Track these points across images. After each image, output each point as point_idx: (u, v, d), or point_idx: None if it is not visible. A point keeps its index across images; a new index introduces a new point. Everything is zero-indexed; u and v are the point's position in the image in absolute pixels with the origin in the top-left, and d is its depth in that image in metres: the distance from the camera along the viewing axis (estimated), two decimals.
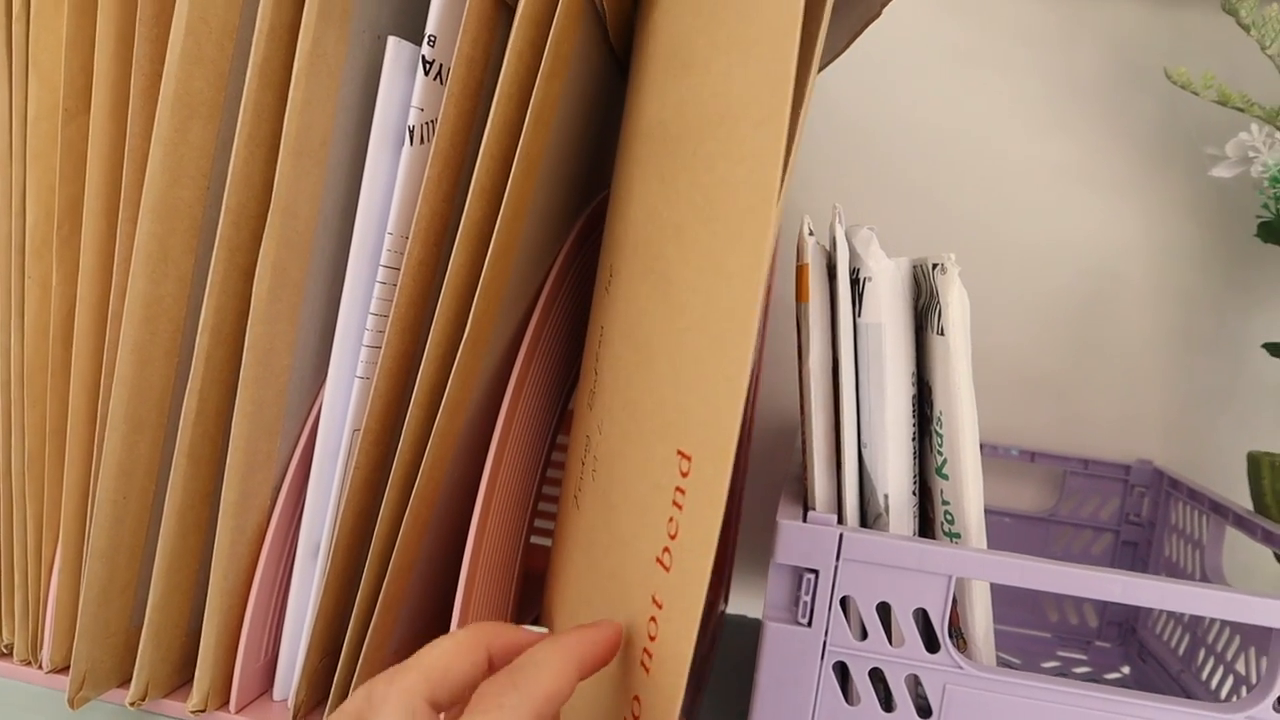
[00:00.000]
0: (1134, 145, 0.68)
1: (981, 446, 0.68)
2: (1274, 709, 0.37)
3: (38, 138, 0.47)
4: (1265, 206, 0.56)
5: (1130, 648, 0.67)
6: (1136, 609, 0.67)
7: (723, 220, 0.31)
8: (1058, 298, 0.70)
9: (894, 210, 0.71)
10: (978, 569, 0.37)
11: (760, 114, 0.29)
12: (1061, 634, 0.68)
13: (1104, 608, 0.68)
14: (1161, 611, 0.63)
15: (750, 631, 0.68)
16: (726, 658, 0.63)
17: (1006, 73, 0.69)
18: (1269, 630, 0.37)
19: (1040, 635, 0.68)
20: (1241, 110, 0.56)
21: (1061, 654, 0.67)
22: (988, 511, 0.69)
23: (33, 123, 0.47)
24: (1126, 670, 0.65)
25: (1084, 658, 0.67)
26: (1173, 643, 0.61)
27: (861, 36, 0.60)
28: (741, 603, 0.76)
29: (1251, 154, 0.55)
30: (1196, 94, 0.56)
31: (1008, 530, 0.69)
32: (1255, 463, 0.56)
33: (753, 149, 0.29)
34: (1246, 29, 0.54)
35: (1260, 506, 0.55)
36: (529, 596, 0.64)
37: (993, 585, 0.66)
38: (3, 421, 0.49)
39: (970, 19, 0.69)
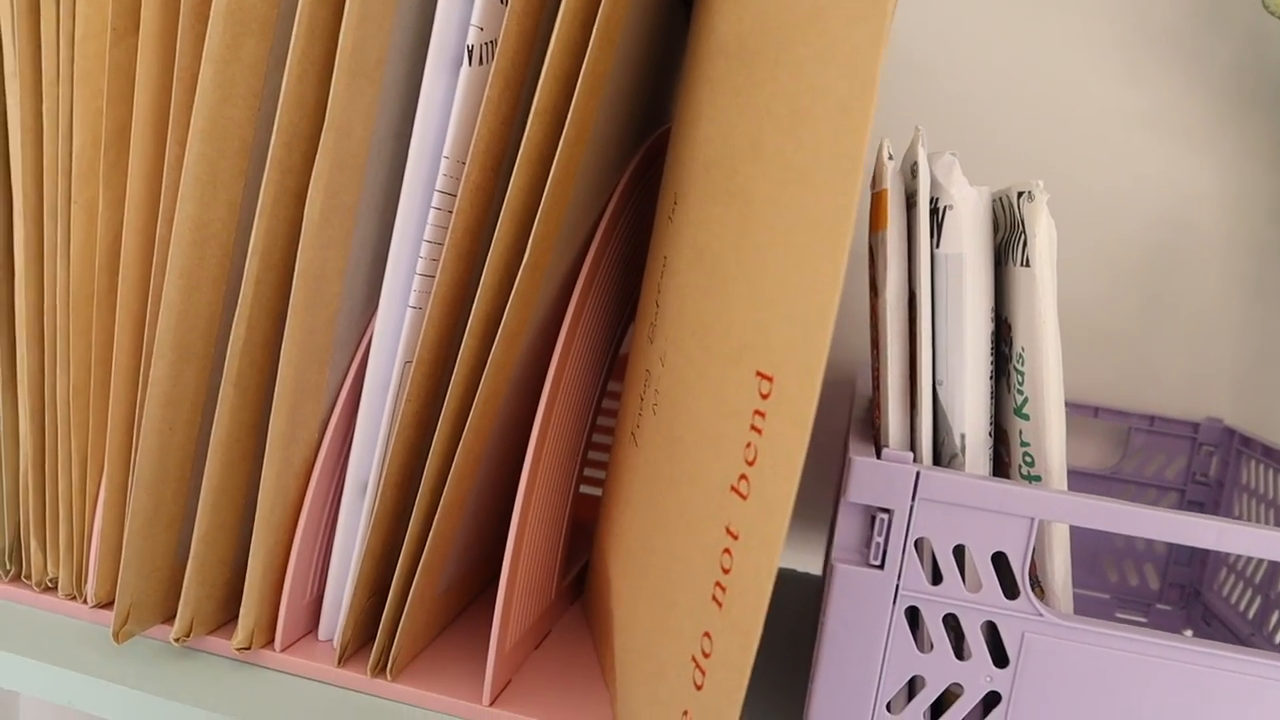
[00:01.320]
0: (1209, 90, 0.65)
1: None
2: None
3: (85, 59, 0.45)
4: None
5: (1194, 611, 0.64)
6: (1201, 570, 0.64)
7: (810, 127, 0.29)
8: (1125, 248, 0.68)
9: (958, 150, 0.69)
10: (1064, 511, 0.36)
11: (857, 8, 0.27)
12: (1121, 595, 0.66)
13: (1166, 569, 0.66)
14: (1229, 573, 0.61)
15: (794, 584, 0.67)
16: (770, 612, 0.62)
17: (1078, 14, 0.66)
18: None
19: (1099, 596, 0.66)
20: None
21: (1121, 616, 0.65)
22: None
23: (80, 43, 0.45)
24: (1189, 634, 0.63)
25: (1144, 620, 0.65)
26: (1241, 605, 0.59)
27: None
28: (784, 555, 0.75)
29: None
30: None
31: (1070, 486, 0.67)
32: None
33: (848, 46, 0.27)
34: None
35: None
36: (576, 546, 0.63)
37: None
38: (48, 352, 0.48)
39: None
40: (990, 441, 0.41)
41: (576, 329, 0.46)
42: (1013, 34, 0.67)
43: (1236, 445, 0.63)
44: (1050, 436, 0.38)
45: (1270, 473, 0.58)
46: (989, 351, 0.40)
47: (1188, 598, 0.65)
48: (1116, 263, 0.68)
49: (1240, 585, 0.60)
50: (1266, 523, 0.57)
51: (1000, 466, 0.42)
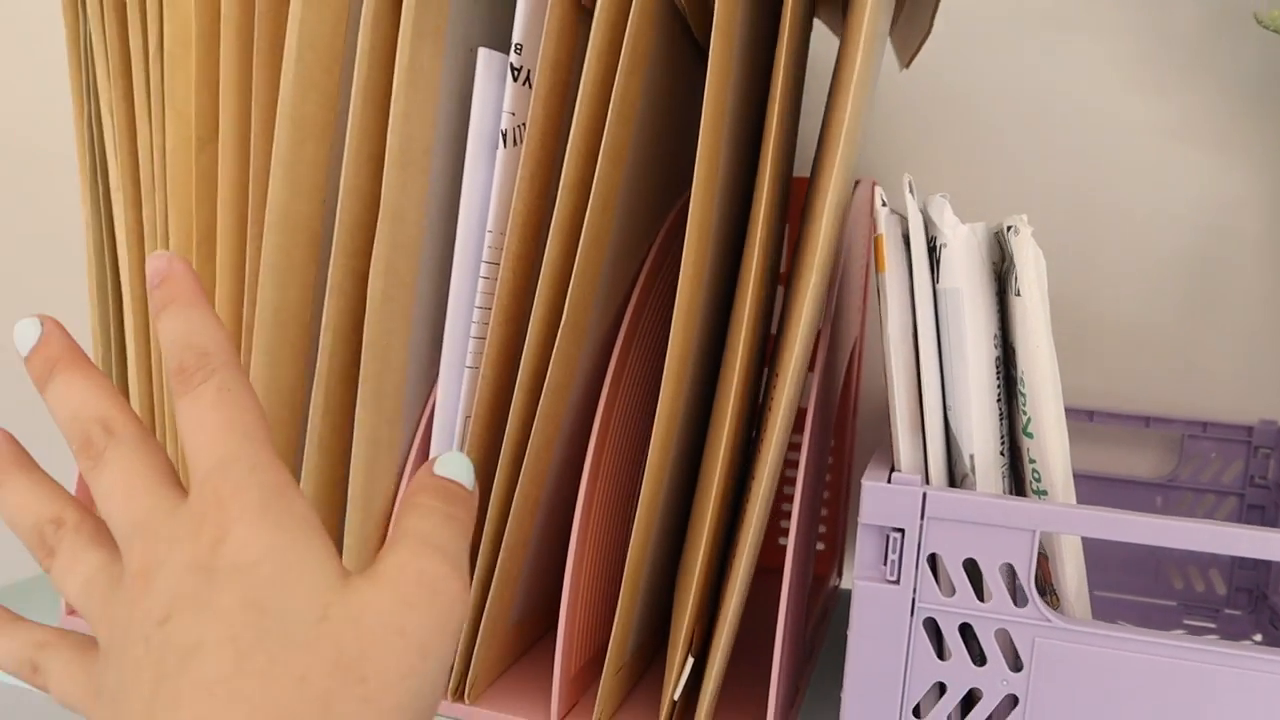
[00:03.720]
0: (1238, 96, 0.66)
1: (1093, 413, 0.68)
2: None
3: (175, 167, 0.52)
4: None
5: (1262, 615, 0.65)
6: (1268, 574, 0.65)
7: None
8: (1168, 257, 0.69)
9: (989, 179, 0.71)
10: (1060, 522, 0.38)
11: None
12: (1188, 602, 0.67)
13: (1232, 573, 0.66)
14: None
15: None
16: (831, 629, 0.65)
17: (1099, 34, 0.68)
18: None
19: (1165, 604, 0.67)
20: None
21: (1188, 622, 0.66)
22: (1103, 479, 0.68)
23: (170, 154, 0.52)
24: (1259, 638, 0.63)
25: (1212, 626, 0.65)
26: None
27: (945, 4, 0.61)
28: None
29: None
30: None
31: (1125, 496, 0.68)
32: None
33: None
34: None
35: None
36: None
37: (1110, 551, 0.66)
38: (156, 421, 0.54)
39: None
40: (1004, 460, 0.43)
41: (621, 377, 0.50)
42: (1036, 59, 0.70)
43: None
44: (1052, 453, 0.41)
45: None
46: (994, 376, 0.43)
47: (1256, 602, 0.66)
48: (1161, 273, 0.69)
49: None
50: None
51: (1019, 482, 0.45)
